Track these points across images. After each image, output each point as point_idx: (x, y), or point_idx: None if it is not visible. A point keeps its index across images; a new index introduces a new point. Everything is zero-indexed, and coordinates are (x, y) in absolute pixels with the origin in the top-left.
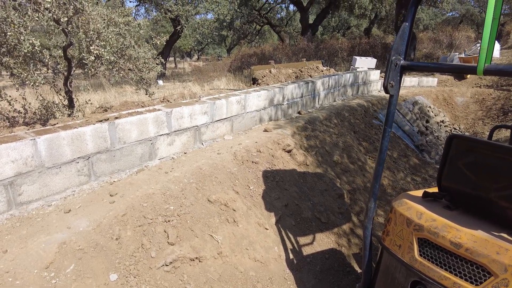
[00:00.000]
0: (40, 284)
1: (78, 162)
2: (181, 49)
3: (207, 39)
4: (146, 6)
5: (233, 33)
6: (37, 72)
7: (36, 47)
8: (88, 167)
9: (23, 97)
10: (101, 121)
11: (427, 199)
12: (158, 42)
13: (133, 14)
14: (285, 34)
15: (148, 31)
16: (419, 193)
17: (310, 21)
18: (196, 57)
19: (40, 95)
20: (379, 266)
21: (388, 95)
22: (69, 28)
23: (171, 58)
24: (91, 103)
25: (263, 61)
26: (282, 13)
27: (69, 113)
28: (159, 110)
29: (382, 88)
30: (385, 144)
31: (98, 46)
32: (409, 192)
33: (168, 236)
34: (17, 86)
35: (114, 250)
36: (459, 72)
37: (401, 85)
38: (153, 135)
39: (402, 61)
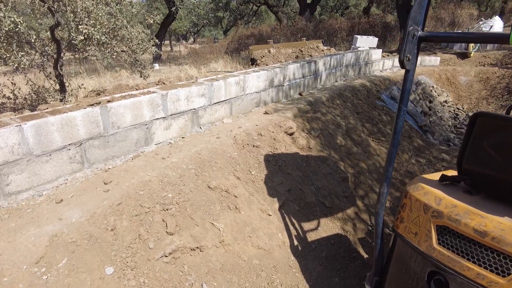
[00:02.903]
0: (30, 280)
1: (69, 149)
2: (176, 31)
3: (203, 20)
4: None
5: (230, 14)
6: (22, 53)
7: (20, 26)
8: (80, 154)
9: (12, 82)
10: (92, 105)
11: (445, 183)
12: (152, 21)
13: None
14: (283, 14)
15: (141, 9)
16: (435, 176)
17: (308, 1)
18: (192, 39)
19: (30, 80)
20: (391, 254)
21: (404, 70)
22: (55, 6)
23: (167, 42)
24: (85, 88)
25: (261, 42)
26: None
27: (61, 98)
28: (153, 92)
29: (384, 68)
30: (400, 124)
31: (87, 25)
32: (424, 176)
33: (166, 226)
34: (5, 71)
35: (109, 241)
36: (489, 42)
37: None
38: (148, 119)
39: (420, 32)
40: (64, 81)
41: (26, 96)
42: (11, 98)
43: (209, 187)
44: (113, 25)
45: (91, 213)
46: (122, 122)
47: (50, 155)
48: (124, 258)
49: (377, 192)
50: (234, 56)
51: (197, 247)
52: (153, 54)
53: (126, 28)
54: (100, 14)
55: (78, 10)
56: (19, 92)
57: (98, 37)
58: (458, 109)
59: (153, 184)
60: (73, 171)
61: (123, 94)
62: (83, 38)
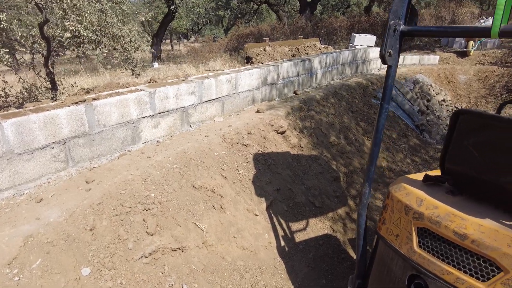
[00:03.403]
0: (1, 282)
1: (53, 148)
2: (177, 30)
3: (202, 19)
4: None
5: (230, 13)
6: (4, 50)
7: (3, 22)
8: (64, 152)
9: (3, 80)
10: (77, 103)
11: (428, 184)
12: (143, 19)
13: None
14: (284, 13)
15: (132, 7)
16: (419, 176)
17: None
18: (193, 38)
19: (21, 78)
20: (374, 256)
21: (386, 66)
22: (42, 3)
23: (168, 40)
24: (77, 86)
25: (260, 41)
26: None
27: (52, 96)
28: (141, 90)
29: (382, 67)
30: (382, 122)
31: (73, 22)
32: (408, 176)
33: (147, 226)
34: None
35: (87, 242)
36: (472, 36)
37: (402, 63)
38: (135, 117)
39: (402, 26)
40: (56, 79)
41: (18, 94)
42: (2, 96)
43: (193, 186)
44: (104, 22)
45: (70, 212)
46: (108, 120)
47: (33, 153)
48: (102, 258)
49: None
50: (233, 54)
51: (179, 248)
52: (152, 52)
53: (117, 25)
54: (88, 11)
55: (65, 7)
56: (10, 91)
57: (85, 34)
58: (457, 108)
59: (136, 184)
60: (57, 170)
61: (110, 92)
62: (70, 35)
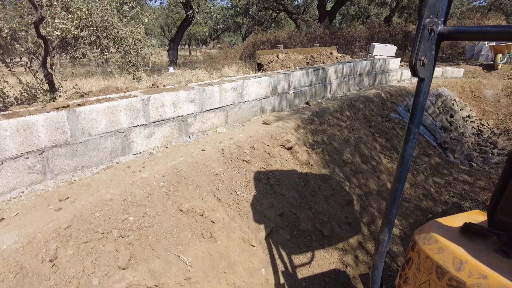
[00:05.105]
0: None
1: (27, 158)
2: (195, 36)
3: (219, 24)
4: None
5: (249, 20)
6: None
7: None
8: (42, 163)
9: (4, 81)
10: (57, 108)
11: (467, 234)
12: (146, 20)
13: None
14: (302, 21)
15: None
16: (454, 221)
17: (328, 8)
18: (212, 45)
19: (18, 78)
20: None
21: (417, 79)
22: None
23: (186, 46)
24: (79, 88)
25: (276, 48)
26: (299, 0)
27: (50, 98)
28: (134, 96)
29: (402, 78)
30: (409, 152)
31: (64, 19)
32: (439, 220)
33: (118, 258)
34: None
35: (45, 275)
36: None
37: None
38: (126, 126)
39: (441, 26)
40: (57, 81)
41: (18, 96)
42: (1, 97)
43: (180, 210)
44: (105, 22)
45: (30, 238)
46: (93, 128)
47: (2, 164)
48: None
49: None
50: (248, 61)
51: (156, 285)
52: (169, 58)
53: (118, 26)
54: (78, 6)
55: (55, 3)
56: (9, 91)
57: (76, 32)
58: (483, 125)
59: (114, 204)
60: (31, 183)
61: (99, 97)
62: (59, 33)
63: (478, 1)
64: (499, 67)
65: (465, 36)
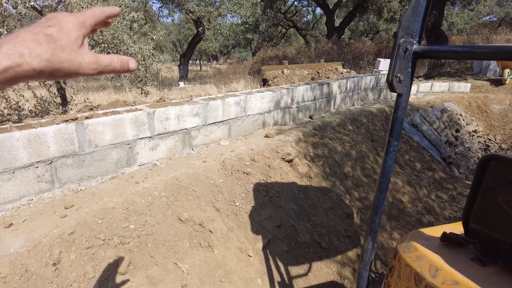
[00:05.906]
0: None
1: (37, 167)
2: (206, 52)
3: (229, 40)
4: (169, 7)
5: (259, 36)
6: None
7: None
8: (50, 172)
9: (20, 94)
10: (67, 121)
11: (448, 243)
12: (155, 37)
13: (157, 16)
14: (311, 37)
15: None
16: (437, 231)
17: (336, 24)
18: (222, 60)
19: (33, 92)
20: None
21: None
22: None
23: (197, 61)
24: (90, 102)
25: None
26: (308, 16)
27: (62, 111)
28: (139, 110)
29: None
30: (389, 163)
31: None
32: (422, 230)
33: (118, 263)
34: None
35: (48, 278)
36: (505, 58)
37: (430, 90)
38: (131, 138)
39: (415, 46)
40: (69, 94)
41: (32, 108)
42: (17, 110)
43: (179, 219)
44: (115, 39)
45: (36, 242)
46: (100, 140)
47: (13, 172)
48: None
49: (387, 231)
50: (256, 76)
51: None
52: (179, 72)
53: (128, 43)
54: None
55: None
56: (24, 104)
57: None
58: (490, 140)
59: (116, 212)
60: (40, 191)
61: (106, 111)
62: None
63: (488, 16)
64: (507, 82)
65: (437, 55)
